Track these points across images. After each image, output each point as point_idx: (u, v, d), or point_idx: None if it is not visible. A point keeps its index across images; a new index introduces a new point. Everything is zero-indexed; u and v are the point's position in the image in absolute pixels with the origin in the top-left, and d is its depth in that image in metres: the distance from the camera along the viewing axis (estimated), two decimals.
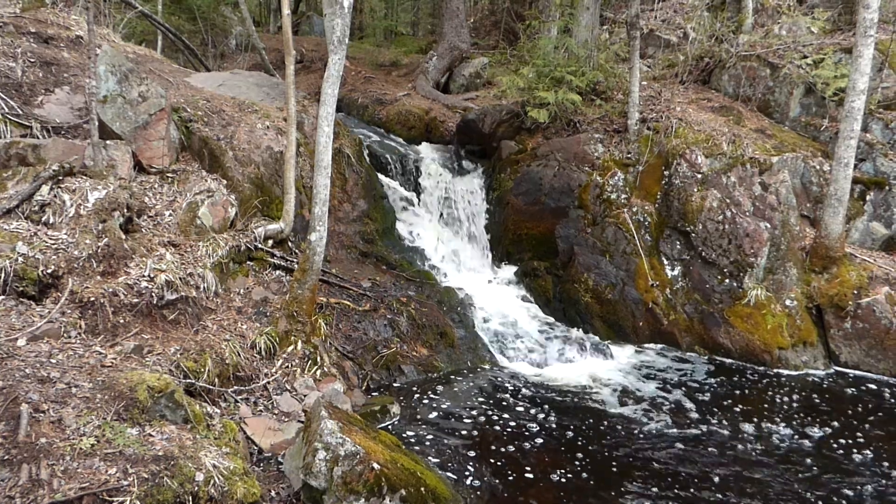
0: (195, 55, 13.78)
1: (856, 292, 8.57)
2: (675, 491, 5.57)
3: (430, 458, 5.83)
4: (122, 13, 11.88)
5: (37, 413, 3.98)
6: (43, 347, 4.86)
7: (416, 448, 5.99)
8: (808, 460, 6.17)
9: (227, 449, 4.63)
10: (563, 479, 5.65)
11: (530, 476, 5.69)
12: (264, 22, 24.52)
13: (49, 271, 5.49)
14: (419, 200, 11.50)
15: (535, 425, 6.63)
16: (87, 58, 7.14)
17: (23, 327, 4.98)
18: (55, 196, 6.18)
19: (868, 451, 6.35)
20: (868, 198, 9.69)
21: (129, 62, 7.62)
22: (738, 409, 7.22)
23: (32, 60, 7.84)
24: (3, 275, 5.24)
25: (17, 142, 6.54)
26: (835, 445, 6.47)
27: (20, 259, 5.41)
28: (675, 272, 9.41)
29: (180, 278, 6.26)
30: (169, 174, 7.57)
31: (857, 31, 8.63)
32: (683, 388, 7.78)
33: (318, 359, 6.87)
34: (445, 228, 11.31)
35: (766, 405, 7.39)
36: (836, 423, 6.96)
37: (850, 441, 6.57)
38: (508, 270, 10.88)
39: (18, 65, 7.63)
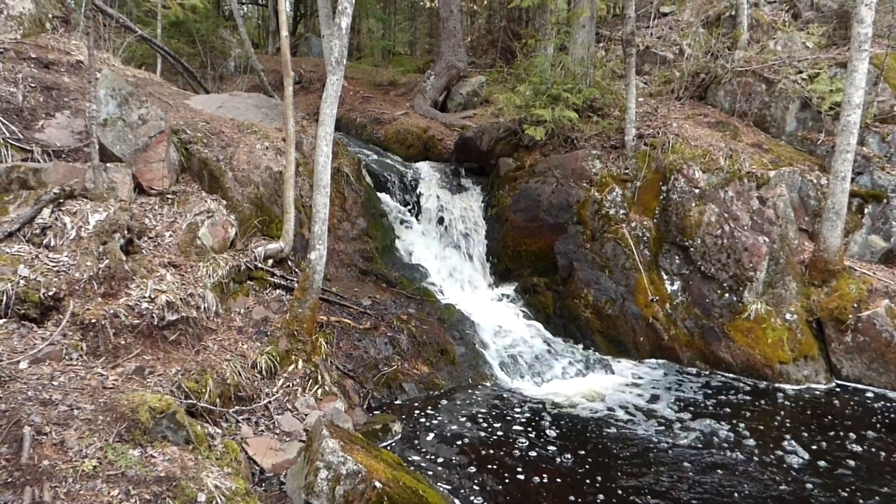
0: (194, 77, 13.87)
1: (856, 305, 8.58)
2: None
3: (432, 476, 5.81)
4: (121, 37, 11.98)
5: (39, 435, 3.98)
6: (45, 370, 4.87)
7: (418, 466, 5.98)
8: (807, 474, 6.15)
9: (228, 469, 4.62)
10: (567, 497, 5.63)
11: (533, 493, 5.67)
12: (262, 44, 24.70)
13: (50, 294, 5.50)
14: (418, 218, 11.55)
15: (537, 443, 6.62)
16: (87, 82, 7.21)
17: (25, 350, 4.99)
18: (56, 219, 6.21)
19: (871, 466, 6.34)
20: (866, 211, 9.73)
21: (129, 86, 7.69)
22: (738, 425, 7.20)
23: (33, 85, 7.91)
24: (4, 298, 5.26)
25: (19, 166, 6.58)
26: (835, 460, 6.45)
27: (22, 282, 5.43)
28: (675, 287, 9.42)
29: (181, 299, 6.28)
30: (169, 195, 7.61)
31: (851, 45, 8.72)
32: (685, 404, 7.77)
33: (319, 378, 6.87)
34: (445, 246, 11.34)
35: (767, 420, 7.37)
36: (837, 438, 6.94)
37: (852, 455, 6.55)
38: (508, 287, 10.89)
39: (19, 90, 7.69)
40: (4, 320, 5.24)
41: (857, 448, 6.69)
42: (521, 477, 5.92)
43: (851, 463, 6.37)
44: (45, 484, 3.63)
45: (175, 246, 7.06)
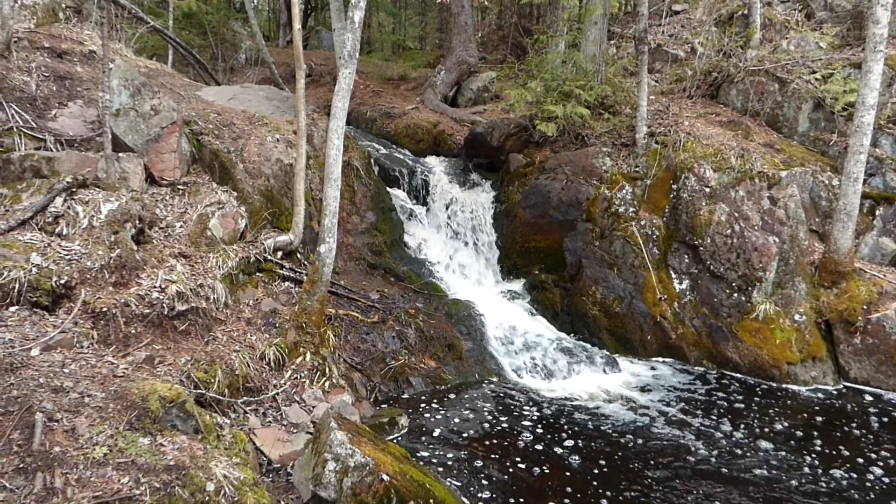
0: (206, 69, 13.90)
1: (865, 307, 8.53)
2: None
3: (438, 470, 5.83)
4: (134, 28, 12.00)
5: (51, 422, 4.01)
6: (56, 357, 4.90)
7: (425, 460, 6.00)
8: (812, 477, 6.14)
9: (237, 459, 4.64)
10: (570, 491, 5.64)
11: (539, 488, 5.68)
12: (273, 37, 24.72)
13: (62, 282, 5.54)
14: (427, 213, 11.55)
15: (543, 438, 6.62)
16: (100, 72, 7.23)
17: (36, 337, 5.02)
18: (69, 208, 6.24)
19: (879, 470, 6.32)
20: (877, 213, 9.66)
21: (142, 76, 7.71)
22: (743, 425, 7.19)
23: (46, 75, 7.94)
24: (17, 285, 5.29)
25: (32, 154, 6.61)
26: (841, 464, 6.43)
27: (34, 270, 5.46)
28: (684, 286, 9.40)
29: (191, 289, 6.30)
30: (180, 186, 7.63)
31: (866, 46, 8.65)
32: (691, 403, 7.76)
33: (327, 370, 6.89)
34: (453, 241, 11.34)
35: (773, 421, 7.35)
36: (843, 442, 6.91)
37: (860, 460, 6.52)
38: (516, 283, 10.89)
39: (33, 79, 7.73)
40: (17, 307, 5.27)
41: (864, 451, 6.65)
42: (527, 472, 5.94)
43: (857, 465, 6.35)
44: (57, 470, 3.66)
45: (185, 237, 7.08)
